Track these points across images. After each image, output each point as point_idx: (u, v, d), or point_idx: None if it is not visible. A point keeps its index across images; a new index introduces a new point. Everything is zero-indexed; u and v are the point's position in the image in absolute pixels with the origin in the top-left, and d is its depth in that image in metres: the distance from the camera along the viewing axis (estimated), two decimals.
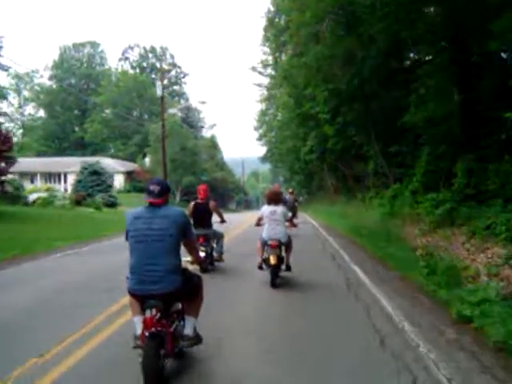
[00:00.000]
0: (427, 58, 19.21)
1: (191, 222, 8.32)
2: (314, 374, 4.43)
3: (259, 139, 69.06)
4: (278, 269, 8.27)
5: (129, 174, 57.61)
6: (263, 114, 66.68)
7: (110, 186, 42.20)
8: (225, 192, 73.79)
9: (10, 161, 23.89)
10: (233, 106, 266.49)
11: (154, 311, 4.12)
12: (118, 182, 55.82)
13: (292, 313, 6.73)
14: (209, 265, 9.66)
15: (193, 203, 9.84)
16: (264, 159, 72.18)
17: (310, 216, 33.51)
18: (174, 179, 53.51)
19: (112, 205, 37.40)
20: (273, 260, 8.05)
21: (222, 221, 10.52)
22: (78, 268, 10.71)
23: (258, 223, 8.94)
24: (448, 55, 15.53)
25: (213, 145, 74.07)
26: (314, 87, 24.83)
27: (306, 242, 14.96)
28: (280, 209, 8.58)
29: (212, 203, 9.90)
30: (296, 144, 40.39)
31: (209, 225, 9.78)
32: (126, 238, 4.28)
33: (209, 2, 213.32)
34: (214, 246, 10.05)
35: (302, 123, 34.49)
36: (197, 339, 4.55)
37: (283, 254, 8.44)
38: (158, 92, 33.83)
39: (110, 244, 15.58)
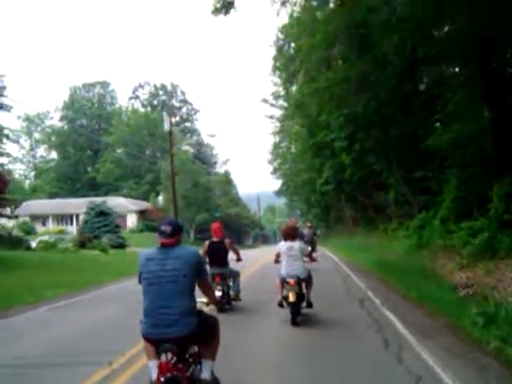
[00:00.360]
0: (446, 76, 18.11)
1: (206, 260, 8.62)
2: None
3: (273, 173, 68.82)
4: (299, 306, 8.11)
5: (142, 213, 57.09)
6: (277, 146, 66.37)
7: (118, 227, 41.28)
8: (240, 228, 73.08)
9: (6, 203, 22.45)
10: (246, 140, 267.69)
11: (169, 355, 3.89)
12: (131, 221, 55.50)
13: (314, 352, 6.33)
14: (226, 304, 9.53)
15: (208, 242, 9.83)
16: (279, 193, 71.98)
17: (328, 250, 32.14)
18: (187, 217, 52.71)
19: (120, 246, 36.30)
20: (292, 297, 7.90)
21: (239, 259, 10.30)
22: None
23: (277, 260, 8.73)
24: (472, 70, 14.38)
25: (227, 180, 73.66)
26: (327, 114, 23.98)
27: (327, 279, 14.03)
28: (297, 244, 8.46)
29: (228, 241, 9.86)
30: (311, 176, 39.88)
31: (225, 263, 9.71)
32: (139, 281, 4.10)
33: (217, 38, 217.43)
34: (231, 284, 9.88)
35: (316, 153, 33.76)
36: (214, 383, 4.31)
37: (303, 290, 8.27)
38: (166, 126, 32.95)
39: (114, 289, 14.69)
